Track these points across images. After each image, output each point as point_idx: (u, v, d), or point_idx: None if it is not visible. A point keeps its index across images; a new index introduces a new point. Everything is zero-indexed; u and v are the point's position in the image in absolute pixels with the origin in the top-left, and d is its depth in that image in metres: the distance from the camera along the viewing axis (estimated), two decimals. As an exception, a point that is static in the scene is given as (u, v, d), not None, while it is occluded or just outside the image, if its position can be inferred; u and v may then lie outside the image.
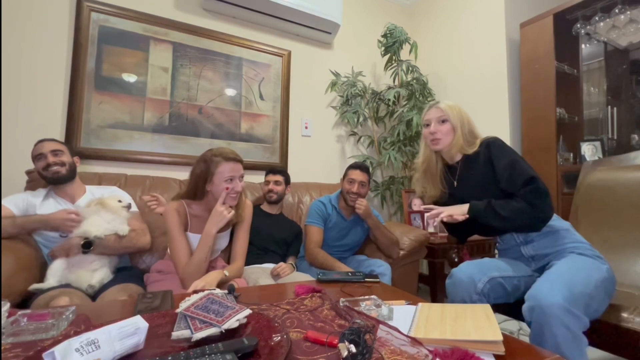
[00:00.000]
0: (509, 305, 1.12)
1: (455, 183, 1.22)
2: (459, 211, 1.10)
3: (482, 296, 1.01)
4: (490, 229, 1.13)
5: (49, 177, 1.33)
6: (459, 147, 1.16)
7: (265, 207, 1.87)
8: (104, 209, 1.30)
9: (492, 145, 1.13)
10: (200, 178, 1.21)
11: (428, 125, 1.21)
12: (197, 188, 1.23)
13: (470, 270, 1.05)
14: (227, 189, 1.18)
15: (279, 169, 1.92)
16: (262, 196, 1.90)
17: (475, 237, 1.33)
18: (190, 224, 1.25)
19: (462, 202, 1.16)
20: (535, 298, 0.85)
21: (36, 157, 1.33)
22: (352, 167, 1.77)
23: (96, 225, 1.25)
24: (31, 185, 1.49)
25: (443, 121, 1.18)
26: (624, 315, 0.94)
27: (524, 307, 0.88)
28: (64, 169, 1.35)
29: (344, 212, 1.78)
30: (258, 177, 2.17)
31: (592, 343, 0.99)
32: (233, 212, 1.19)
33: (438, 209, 1.14)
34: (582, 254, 1.01)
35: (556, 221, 1.09)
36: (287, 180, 1.90)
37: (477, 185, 1.13)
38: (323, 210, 1.76)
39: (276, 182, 1.84)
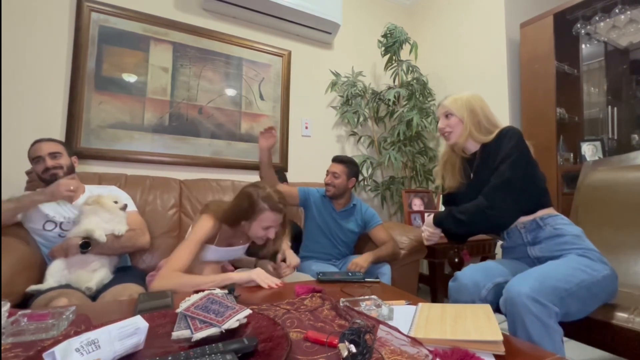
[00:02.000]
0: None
1: (472, 175, 1.21)
2: (429, 226, 1.17)
3: (486, 303, 1.00)
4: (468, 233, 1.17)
5: (47, 180, 1.33)
6: (466, 136, 1.16)
7: None
8: (102, 208, 1.30)
9: (503, 135, 1.11)
10: (241, 214, 1.20)
11: (439, 121, 1.25)
12: (237, 220, 1.21)
13: (475, 276, 1.04)
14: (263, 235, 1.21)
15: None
16: None
17: (476, 237, 1.34)
18: (217, 238, 1.25)
19: (480, 193, 1.15)
20: (507, 290, 0.90)
21: (34, 159, 1.33)
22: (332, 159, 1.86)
23: (95, 225, 1.24)
24: (31, 186, 1.49)
25: (447, 115, 1.20)
26: (625, 315, 0.94)
27: (500, 301, 0.92)
28: (62, 171, 1.34)
29: (334, 204, 1.81)
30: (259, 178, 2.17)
31: (593, 343, 0.99)
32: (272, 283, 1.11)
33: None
34: (584, 256, 0.99)
35: (569, 226, 1.07)
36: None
37: (490, 177, 1.12)
38: (315, 192, 1.82)
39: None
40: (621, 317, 0.94)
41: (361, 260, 1.53)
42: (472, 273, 1.06)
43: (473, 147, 1.20)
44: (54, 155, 1.34)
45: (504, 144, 1.09)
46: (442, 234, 1.21)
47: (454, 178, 1.26)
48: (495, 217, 1.05)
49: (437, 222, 1.15)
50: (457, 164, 1.26)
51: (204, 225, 1.20)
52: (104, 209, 1.30)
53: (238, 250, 1.34)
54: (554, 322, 0.84)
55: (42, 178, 1.33)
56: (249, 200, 1.18)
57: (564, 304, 0.87)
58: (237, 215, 1.21)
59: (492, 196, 1.05)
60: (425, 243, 1.24)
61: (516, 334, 0.85)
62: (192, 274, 1.12)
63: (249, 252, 1.49)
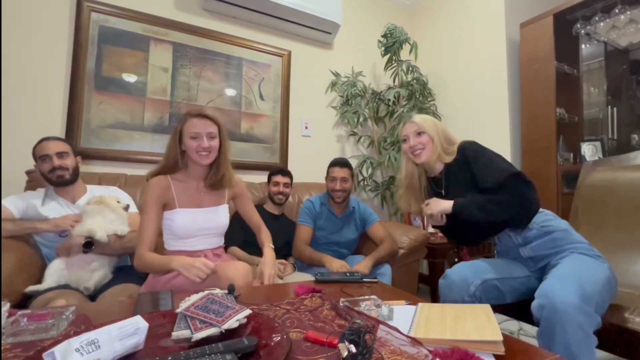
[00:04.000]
0: (509, 306, 1.12)
1: (443, 193, 1.22)
2: (443, 206, 1.12)
3: (474, 298, 1.02)
4: (477, 226, 1.14)
5: (53, 181, 1.33)
6: (437, 155, 1.18)
7: (269, 208, 1.87)
8: (107, 208, 1.30)
9: (466, 149, 1.15)
10: (173, 142, 1.19)
11: (406, 140, 1.24)
12: (177, 154, 1.19)
13: (464, 272, 1.06)
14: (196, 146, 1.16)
15: (287, 170, 1.91)
16: (266, 196, 1.89)
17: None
18: (177, 199, 1.19)
19: (454, 215, 1.17)
20: (547, 296, 0.84)
21: (40, 157, 1.32)
22: (332, 164, 1.78)
23: (99, 225, 1.24)
24: (31, 185, 1.49)
25: (419, 133, 1.21)
26: (625, 315, 0.94)
27: (534, 305, 0.86)
28: (68, 173, 1.34)
29: (335, 209, 1.79)
30: (258, 177, 2.17)
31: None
32: (203, 277, 1.05)
33: (428, 209, 1.17)
34: (584, 254, 1.01)
35: (554, 221, 1.09)
36: (292, 182, 1.91)
37: (464, 191, 1.14)
38: (311, 208, 1.77)
39: (285, 185, 1.84)
40: (622, 317, 0.94)
41: (361, 267, 1.52)
42: (461, 270, 1.07)
43: (439, 166, 1.22)
44: (61, 154, 1.33)
45: (470, 155, 1.13)
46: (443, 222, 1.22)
47: (418, 202, 1.27)
48: (533, 209, 1.05)
49: (459, 207, 1.09)
50: (420, 187, 1.28)
51: (148, 187, 1.17)
52: (109, 209, 1.30)
53: (213, 214, 1.26)
54: (593, 331, 0.81)
55: (48, 177, 1.33)
56: (177, 122, 1.21)
57: (599, 308, 0.85)
58: (170, 148, 1.20)
59: (518, 189, 1.03)
60: (428, 214, 1.20)
61: (552, 342, 0.81)
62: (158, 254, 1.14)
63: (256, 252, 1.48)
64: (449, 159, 1.17)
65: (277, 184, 1.83)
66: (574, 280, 0.86)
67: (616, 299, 1.02)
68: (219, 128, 1.22)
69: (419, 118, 1.23)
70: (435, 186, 1.26)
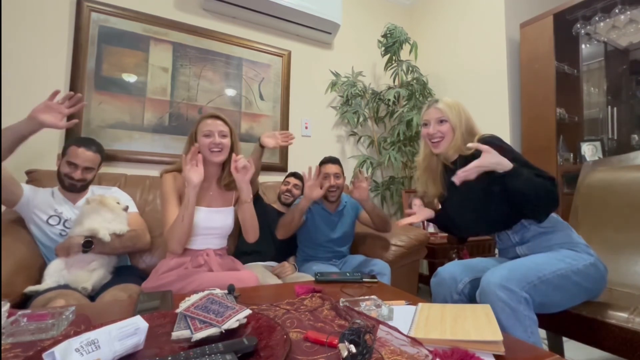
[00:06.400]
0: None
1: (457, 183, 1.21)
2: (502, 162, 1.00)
3: (463, 296, 1.03)
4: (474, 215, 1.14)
5: (63, 184, 1.34)
6: (456, 148, 1.13)
7: (277, 206, 1.91)
8: (104, 208, 1.29)
9: (489, 144, 1.07)
10: (190, 140, 1.28)
11: (427, 125, 1.19)
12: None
13: (454, 270, 1.07)
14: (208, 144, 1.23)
15: (300, 175, 1.93)
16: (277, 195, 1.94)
17: (475, 237, 1.33)
18: None
19: (463, 203, 1.16)
20: (481, 281, 0.93)
21: (68, 161, 1.32)
22: (322, 162, 1.76)
23: (99, 224, 1.24)
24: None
25: (442, 121, 1.15)
26: (624, 315, 0.94)
27: (476, 293, 0.94)
28: (80, 184, 1.35)
29: (328, 207, 1.77)
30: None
31: (593, 343, 0.99)
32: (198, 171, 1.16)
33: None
34: (570, 249, 1.01)
35: (554, 221, 1.09)
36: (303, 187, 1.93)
37: (477, 187, 1.11)
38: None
39: (296, 186, 1.88)
40: (621, 317, 0.94)
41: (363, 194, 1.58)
42: (452, 268, 1.08)
43: (454, 155, 1.17)
44: (87, 169, 1.35)
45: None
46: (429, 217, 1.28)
47: (435, 186, 1.25)
48: (552, 209, 1.03)
49: (514, 169, 1.00)
50: (438, 171, 1.24)
51: (164, 180, 1.24)
52: (107, 209, 1.30)
53: (220, 214, 1.29)
54: (524, 308, 0.86)
55: (60, 177, 1.34)
56: (191, 130, 1.30)
57: (537, 291, 0.89)
58: (186, 149, 1.26)
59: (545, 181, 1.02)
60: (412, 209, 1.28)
61: None
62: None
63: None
64: (467, 152, 1.10)
65: (287, 183, 1.90)
66: (507, 266, 0.93)
67: (616, 299, 1.02)
68: (230, 130, 1.30)
69: (443, 104, 1.15)
70: (451, 174, 1.21)
